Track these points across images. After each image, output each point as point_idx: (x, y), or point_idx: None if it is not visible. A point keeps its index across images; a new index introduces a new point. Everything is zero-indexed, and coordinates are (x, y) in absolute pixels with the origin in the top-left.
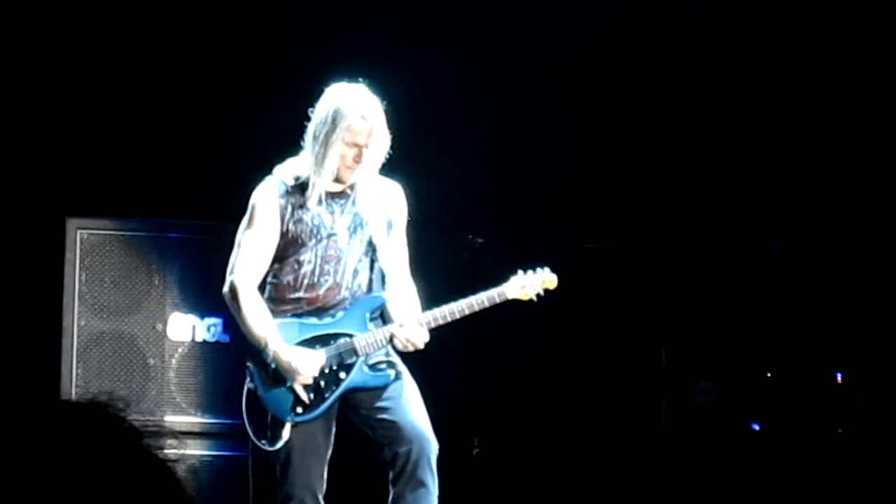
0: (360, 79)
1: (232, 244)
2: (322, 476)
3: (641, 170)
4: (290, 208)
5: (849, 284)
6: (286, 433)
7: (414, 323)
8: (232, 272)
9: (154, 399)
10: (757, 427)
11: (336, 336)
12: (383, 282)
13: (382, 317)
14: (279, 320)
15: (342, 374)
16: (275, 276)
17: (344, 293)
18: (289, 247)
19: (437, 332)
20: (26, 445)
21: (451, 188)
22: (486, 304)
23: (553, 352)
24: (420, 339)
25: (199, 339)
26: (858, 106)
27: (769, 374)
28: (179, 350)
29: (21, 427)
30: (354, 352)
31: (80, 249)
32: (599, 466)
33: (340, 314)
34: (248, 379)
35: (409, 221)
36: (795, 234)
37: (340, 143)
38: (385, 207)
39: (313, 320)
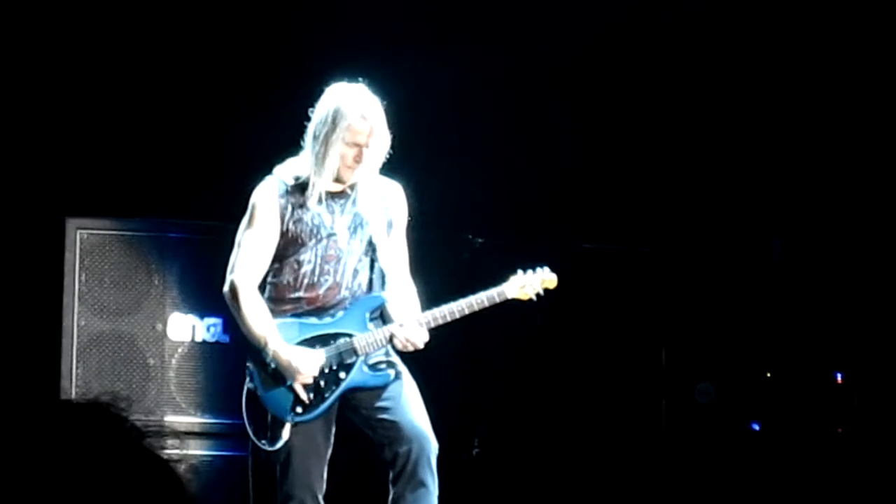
0: (360, 79)
1: (232, 244)
2: (322, 476)
3: (641, 170)
4: (290, 208)
5: (849, 284)
6: (286, 433)
7: (414, 323)
8: (232, 272)
9: (154, 399)
10: (757, 427)
11: (336, 336)
12: (383, 282)
13: (382, 317)
14: (279, 320)
15: (342, 374)
16: (275, 276)
17: (344, 293)
18: (289, 246)
19: (436, 332)
20: (26, 446)
21: (451, 188)
22: (486, 304)
23: (553, 352)
24: (420, 338)
25: (198, 339)
26: (858, 106)
27: (769, 375)
28: (179, 350)
29: (21, 427)
30: (354, 351)
31: (80, 249)
32: (600, 466)
33: (340, 314)
34: (247, 379)
35: (409, 221)
36: (795, 234)
37: (341, 143)
38: (385, 207)
39: (313, 320)
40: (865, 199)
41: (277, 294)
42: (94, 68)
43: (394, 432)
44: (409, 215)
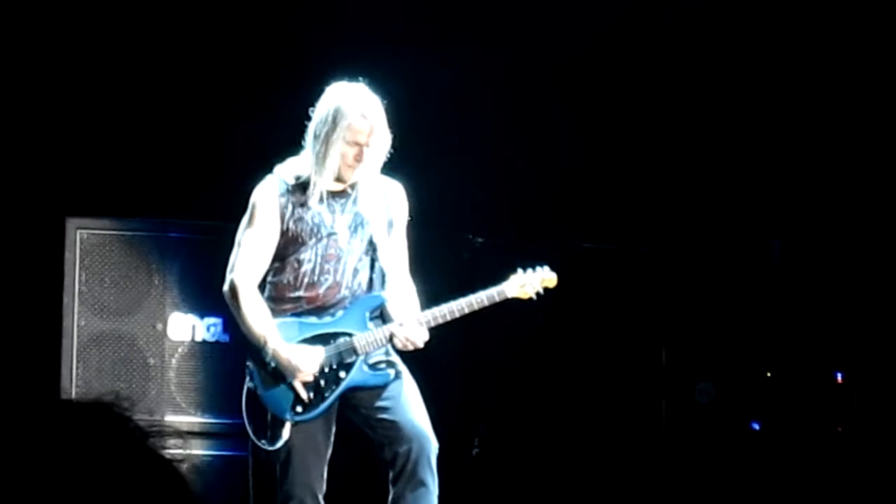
0: (361, 78)
1: (232, 244)
2: (322, 476)
3: (641, 170)
4: (290, 207)
5: (849, 284)
6: (286, 432)
7: (413, 322)
8: (232, 271)
9: (154, 399)
10: (757, 427)
11: (336, 335)
12: (383, 281)
13: (382, 316)
14: (279, 319)
15: (342, 374)
16: (275, 275)
17: (344, 292)
18: (289, 246)
19: (436, 331)
20: (27, 445)
21: (451, 188)
22: (486, 303)
23: (553, 351)
24: (420, 338)
25: (198, 338)
26: (858, 106)
27: (769, 374)
28: (179, 350)
29: (21, 427)
30: (354, 351)
31: (80, 249)
32: (600, 466)
33: (340, 313)
34: (247, 378)
35: (409, 221)
36: (795, 234)
37: (341, 142)
38: (386, 206)
39: (313, 319)
40: (865, 199)
41: (277, 293)
42: (94, 68)
43: (394, 432)
44: (410, 215)
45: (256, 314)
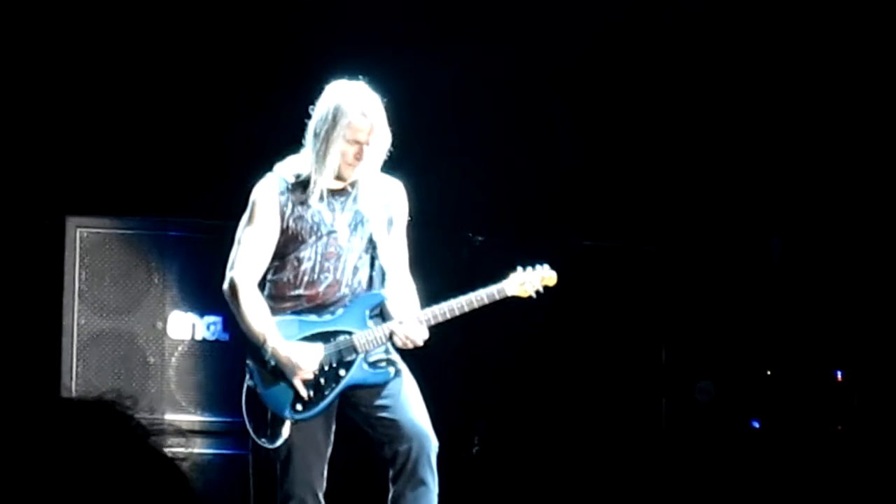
0: (361, 76)
1: (232, 242)
2: (322, 474)
3: (641, 169)
4: (290, 205)
5: (848, 283)
6: (286, 431)
7: (413, 320)
8: (232, 269)
9: (154, 397)
10: (757, 425)
11: (336, 333)
12: (383, 279)
13: (382, 314)
14: (279, 318)
15: (342, 372)
16: (275, 274)
17: (344, 290)
18: (289, 244)
19: (436, 330)
20: (27, 444)
21: (451, 188)
22: (486, 301)
23: (553, 350)
24: (419, 336)
25: (198, 337)
26: (858, 106)
27: (769, 373)
28: (179, 348)
29: (22, 425)
30: (354, 349)
31: (80, 248)
32: (600, 465)
33: (340, 311)
34: (247, 377)
35: (409, 219)
36: (795, 232)
37: (341, 141)
38: (386, 205)
39: (313, 317)
40: (865, 198)
41: (277, 291)
42: (93, 67)
43: (394, 430)
44: (410, 213)
45: (256, 312)
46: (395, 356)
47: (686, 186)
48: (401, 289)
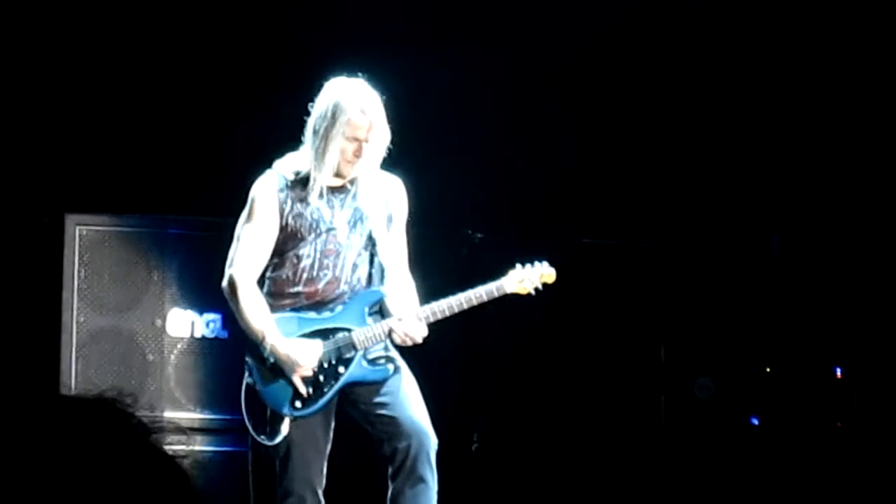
0: (360, 74)
1: (231, 240)
2: (321, 471)
3: (641, 167)
4: (289, 202)
5: (848, 280)
6: (285, 428)
7: (412, 317)
8: (231, 266)
9: (153, 395)
10: (756, 422)
11: (335, 330)
12: (382, 276)
13: (381, 311)
14: (278, 315)
15: (341, 369)
16: (274, 271)
17: (343, 287)
18: (288, 241)
19: (435, 327)
20: (26, 441)
21: (451, 188)
22: (485, 298)
23: (552, 347)
24: (418, 333)
25: (198, 334)
26: (857, 103)
27: (768, 370)
28: (178, 346)
29: (21, 423)
30: (353, 346)
31: (80, 246)
32: (599, 462)
33: (339, 308)
34: (246, 374)
35: (408, 216)
36: (794, 230)
37: (340, 138)
38: (386, 202)
39: (312, 314)
40: (864, 195)
41: (276, 288)
42: (93, 65)
43: (393, 427)
44: (409, 211)
45: (255, 309)
46: (395, 353)
47: (686, 184)
48: (400, 286)
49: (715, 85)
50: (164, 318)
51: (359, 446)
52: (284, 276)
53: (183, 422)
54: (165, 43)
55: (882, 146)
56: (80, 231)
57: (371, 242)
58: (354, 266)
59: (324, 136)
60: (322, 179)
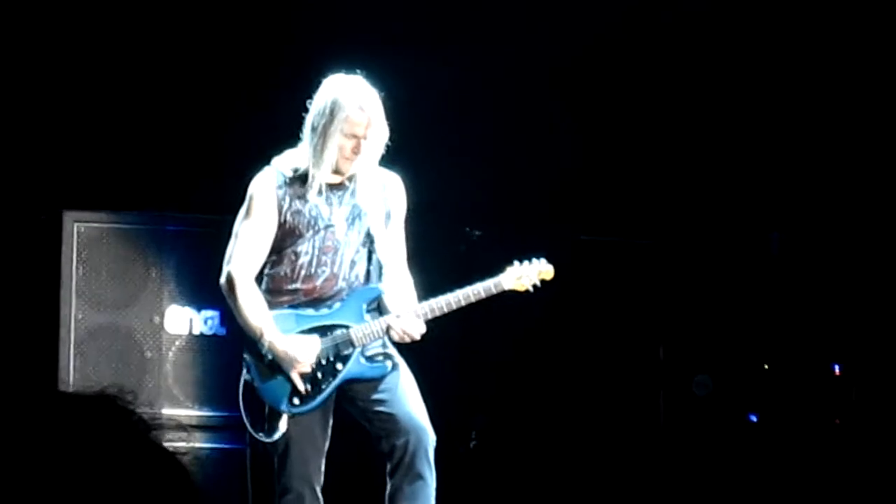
0: (358, 70)
1: (229, 237)
2: (320, 468)
3: (640, 164)
4: (287, 199)
5: (847, 277)
6: (283, 424)
7: (410, 314)
8: (229, 263)
9: (151, 392)
10: (755, 419)
11: (333, 327)
12: (381, 273)
13: (379, 308)
14: (276, 311)
15: (339, 366)
16: (272, 268)
17: (341, 284)
18: (286, 238)
19: (433, 324)
20: (24, 438)
21: (451, 187)
22: (483, 295)
23: (550, 344)
24: (416, 330)
25: (196, 331)
26: (856, 101)
27: (767, 367)
28: (177, 343)
29: (19, 419)
30: (351, 343)
31: (78, 242)
32: (597, 459)
33: (337, 305)
34: (244, 371)
35: (407, 213)
36: (794, 227)
37: (339, 135)
38: (384, 198)
39: (310, 311)
40: (863, 192)
41: (274, 285)
42: (91, 62)
43: (391, 424)
44: (408, 208)
45: (253, 306)
46: (393, 350)
47: (685, 181)
48: (398, 283)
49: (714, 83)
50: (162, 315)
51: (357, 443)
52: (282, 273)
53: (181, 419)
54: (163, 39)
55: (881, 144)
56: (78, 228)
57: (369, 239)
58: (353, 263)
59: (322, 133)
60: (320, 176)
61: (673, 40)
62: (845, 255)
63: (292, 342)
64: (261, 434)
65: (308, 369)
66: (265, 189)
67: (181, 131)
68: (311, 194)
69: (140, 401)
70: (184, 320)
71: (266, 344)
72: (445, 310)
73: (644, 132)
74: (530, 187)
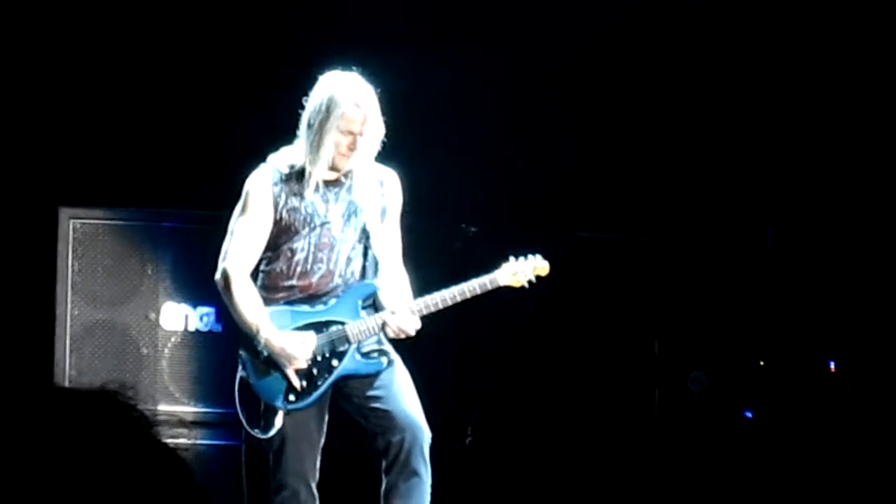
0: (354, 67)
1: (225, 233)
2: (315, 465)
3: (636, 159)
4: (283, 196)
5: (842, 273)
6: (279, 421)
7: (406, 310)
8: (224, 259)
9: (147, 388)
10: (750, 415)
11: (328, 324)
12: (376, 269)
13: (374, 304)
14: (271, 308)
15: (334, 362)
16: (268, 264)
17: (337, 280)
18: (282, 235)
19: (429, 320)
20: (20, 434)
21: (448, 182)
22: (478, 291)
23: (546, 340)
24: (411, 326)
25: (191, 328)
26: (852, 97)
27: (762, 363)
28: (172, 339)
29: (15, 416)
30: (346, 339)
31: (73, 239)
32: (593, 456)
33: (333, 301)
34: (240, 367)
35: (403, 210)
36: (789, 222)
37: (335, 131)
38: (381, 194)
39: (305, 308)
40: (859, 187)
41: (270, 282)
42: (88, 60)
43: (386, 421)
44: (404, 204)
45: (248, 303)
46: (388, 346)
47: (680, 176)
48: (393, 279)
49: (711, 79)
50: (157, 312)
51: (352, 440)
52: (278, 270)
53: (177, 415)
54: (162, 37)
55: (876, 139)
56: (73, 224)
57: (365, 235)
58: (348, 259)
59: (318, 130)
60: (317, 173)
61: (673, 40)
62: (841, 250)
63: (288, 339)
64: (256, 430)
65: (304, 366)
66: (261, 186)
67: (178, 129)
68: (308, 191)
69: (135, 398)
70: (179, 317)
71: (262, 340)
72: (441, 306)
73: (640, 127)
74: (528, 185)
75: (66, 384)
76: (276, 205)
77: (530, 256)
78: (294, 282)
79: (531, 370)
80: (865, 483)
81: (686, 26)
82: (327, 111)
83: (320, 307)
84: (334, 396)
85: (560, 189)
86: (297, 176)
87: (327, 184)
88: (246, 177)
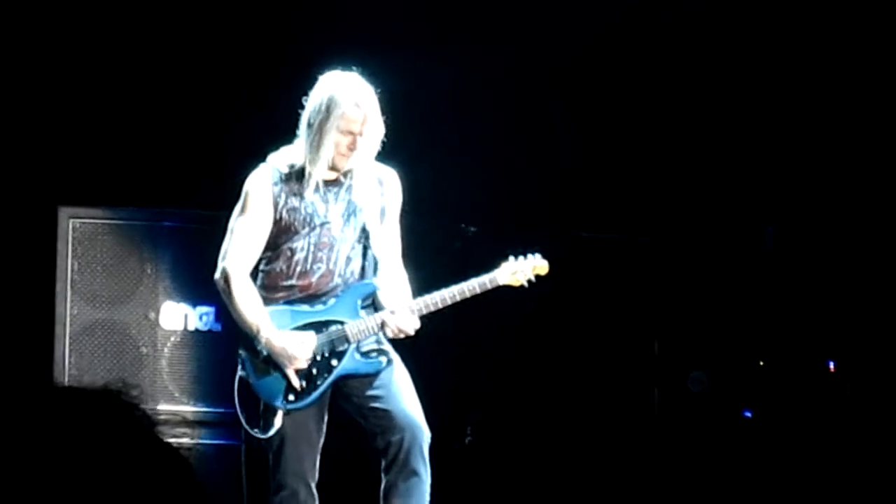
0: (353, 67)
1: (225, 233)
2: (314, 465)
3: (636, 159)
4: (283, 196)
5: (842, 273)
6: (278, 421)
7: (405, 310)
8: (224, 259)
9: (146, 388)
10: (749, 415)
11: (328, 323)
12: (376, 268)
13: (374, 304)
14: (271, 308)
15: (334, 362)
16: (267, 264)
17: (336, 280)
18: (282, 234)
19: (428, 319)
20: (19, 433)
21: (448, 182)
22: (478, 291)
23: (545, 340)
24: (411, 326)
25: (191, 327)
26: (851, 97)
27: (762, 363)
28: (172, 339)
29: (14, 415)
30: (346, 339)
31: (73, 238)
32: (592, 456)
33: (332, 301)
34: (239, 367)
35: (403, 209)
36: (789, 222)
37: (335, 131)
38: (381, 193)
39: (305, 307)
40: (858, 187)
41: (270, 282)
42: (88, 59)
43: (386, 421)
44: (404, 203)
45: (248, 302)
46: (387, 346)
47: (680, 176)
48: (393, 278)
49: (711, 79)
50: (157, 311)
51: (352, 440)
52: (278, 270)
53: (176, 415)
54: (162, 37)
55: (876, 139)
56: (73, 224)
57: (365, 235)
58: (348, 259)
59: (318, 130)
60: (316, 173)
61: (673, 40)
62: (841, 250)
63: (288, 338)
64: (256, 430)
65: (303, 365)
66: (261, 185)
67: (178, 129)
68: (307, 191)
69: (137, 397)
70: (179, 316)
71: (262, 340)
72: (440, 305)
73: (640, 130)
74: (528, 185)
75: (66, 383)
76: (275, 204)
77: (530, 256)
78: (294, 281)
79: (531, 370)
80: (865, 483)
81: (686, 26)
82: (327, 111)
83: (320, 307)
84: (334, 396)
85: (560, 189)
86: (296, 176)
87: (327, 184)
88: (246, 177)
